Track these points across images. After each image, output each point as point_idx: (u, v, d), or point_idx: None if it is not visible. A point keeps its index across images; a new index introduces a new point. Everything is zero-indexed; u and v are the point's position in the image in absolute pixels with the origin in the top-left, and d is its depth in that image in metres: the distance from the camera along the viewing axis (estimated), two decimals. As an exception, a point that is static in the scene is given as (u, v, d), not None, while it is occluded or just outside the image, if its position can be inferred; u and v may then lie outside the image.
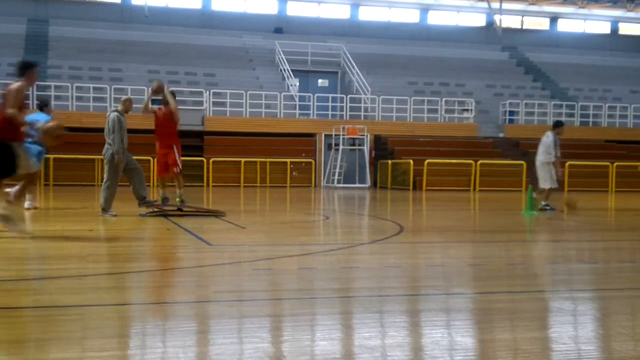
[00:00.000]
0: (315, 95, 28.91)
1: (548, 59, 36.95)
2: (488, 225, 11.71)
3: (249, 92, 27.70)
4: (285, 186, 25.31)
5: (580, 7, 40.20)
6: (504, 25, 37.52)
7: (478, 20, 39.46)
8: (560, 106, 31.31)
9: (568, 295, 5.26)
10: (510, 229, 10.91)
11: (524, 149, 27.80)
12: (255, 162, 25.52)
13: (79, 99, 25.99)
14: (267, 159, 25.62)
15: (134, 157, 11.69)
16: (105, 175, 11.27)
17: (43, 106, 12.79)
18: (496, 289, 5.54)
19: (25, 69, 8.12)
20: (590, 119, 31.30)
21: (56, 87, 26.30)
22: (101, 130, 11.48)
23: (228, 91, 27.69)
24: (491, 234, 10.20)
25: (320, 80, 33.01)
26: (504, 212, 14.23)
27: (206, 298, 5.10)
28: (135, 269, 6.46)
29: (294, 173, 26.03)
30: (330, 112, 28.82)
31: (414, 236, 9.47)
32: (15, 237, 8.21)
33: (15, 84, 7.96)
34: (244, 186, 24.90)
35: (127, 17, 33.63)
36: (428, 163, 24.13)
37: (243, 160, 25.37)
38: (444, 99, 29.80)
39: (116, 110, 11.25)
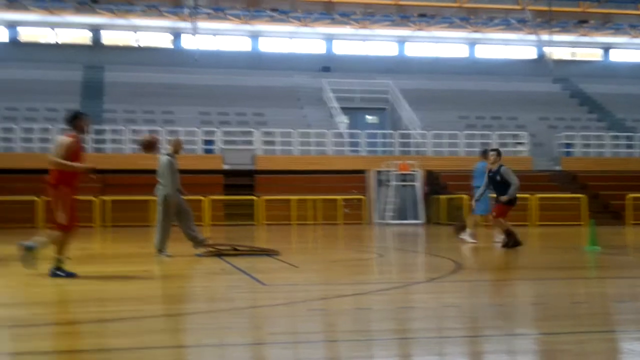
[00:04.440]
0: (365, 131, 28.92)
1: (602, 90, 36.27)
2: (549, 262, 11.38)
3: (297, 131, 27.87)
4: (337, 223, 25.21)
5: (633, 37, 39.50)
6: (555, 56, 37.11)
7: (528, 52, 39.11)
8: (618, 137, 30.61)
9: (638, 335, 5.03)
10: (573, 265, 10.58)
11: (583, 181, 27.18)
12: (306, 200, 25.53)
13: (134, 141, 26.53)
14: (318, 197, 25.61)
15: (186, 198, 11.77)
16: (158, 217, 11.35)
17: (483, 153, 13.65)
18: (561, 329, 5.33)
19: None
20: (650, 150, 30.46)
21: (112, 130, 26.93)
22: (155, 172, 11.61)
23: (277, 130, 27.92)
24: (553, 270, 9.90)
25: (369, 117, 33.05)
26: (565, 248, 13.84)
27: (261, 340, 5.05)
28: (191, 310, 6.45)
29: (345, 210, 25.93)
30: (380, 148, 28.76)
31: (472, 274, 9.25)
32: (73, 280, 8.31)
33: None
34: (296, 224, 24.91)
35: (178, 61, 34.38)
36: (482, 198, 23.74)
37: (294, 198, 25.42)
38: (496, 133, 29.46)
39: (168, 154, 11.36)
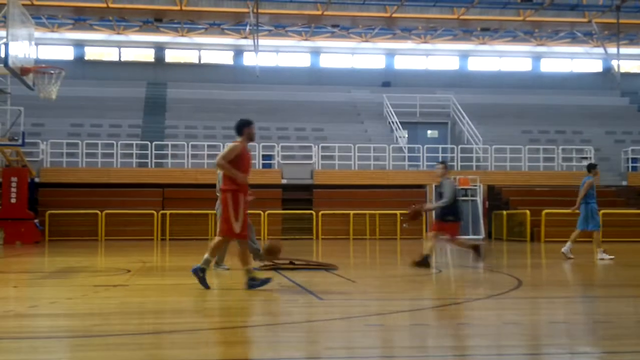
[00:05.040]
0: (425, 146, 28.66)
1: (672, 103, 35.12)
2: (615, 279, 10.99)
3: (357, 145, 27.82)
4: (396, 238, 24.99)
5: None
6: (622, 70, 36.10)
7: (594, 66, 38.19)
8: (687, 152, 29.54)
9: None
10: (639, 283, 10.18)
11: (650, 197, 26.32)
12: (365, 214, 25.41)
13: (194, 156, 26.93)
14: (377, 211, 25.46)
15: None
16: (218, 230, 11.45)
17: (588, 167, 14.10)
18: (627, 348, 5.13)
19: None
20: None
21: (173, 145, 27.42)
22: (215, 186, 11.72)
23: (337, 145, 27.92)
24: (619, 288, 9.54)
25: (429, 131, 32.76)
26: (632, 265, 13.35)
27: (317, 354, 4.99)
28: (247, 323, 6.44)
29: (404, 225, 25.69)
30: (440, 163, 28.42)
31: (534, 291, 8.98)
32: (132, 292, 8.42)
33: None
34: (354, 239, 24.79)
35: (239, 77, 34.83)
36: (546, 213, 23.21)
37: (352, 212, 25.33)
38: (560, 147, 28.80)
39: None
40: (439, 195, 12.10)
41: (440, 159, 28.41)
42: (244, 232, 8.45)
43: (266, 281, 8.37)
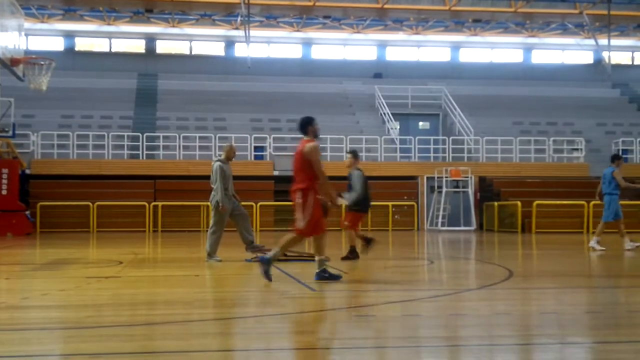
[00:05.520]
0: (417, 137, 28.69)
1: (662, 95, 35.27)
2: (606, 270, 11.06)
3: (349, 137, 27.81)
4: (387, 230, 25.04)
5: (694, 39, 38.31)
6: (613, 61, 36.22)
7: (585, 57, 38.27)
8: (677, 143, 29.68)
9: (702, 346, 4.81)
10: (631, 273, 10.25)
11: (640, 188, 26.43)
12: (357, 206, 25.40)
13: (185, 148, 26.87)
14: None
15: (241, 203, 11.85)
16: (211, 222, 11.47)
17: (613, 158, 13.92)
18: (617, 338, 5.16)
19: None
20: None
21: (164, 137, 27.33)
22: (207, 177, 11.73)
23: (328, 136, 27.90)
24: (610, 279, 9.61)
25: (421, 123, 32.79)
26: (623, 256, 13.43)
27: (309, 345, 4.99)
28: (239, 314, 6.44)
29: (396, 216, 25.75)
30: (432, 155, 28.52)
31: (525, 282, 9.02)
32: (124, 283, 8.41)
33: None
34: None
35: (230, 69, 34.74)
36: (537, 204, 23.31)
37: (344, 204, 25.31)
38: (551, 139, 28.88)
39: (219, 160, 11.46)
40: (349, 187, 12.21)
41: (433, 150, 28.62)
42: (307, 230, 8.44)
43: (268, 276, 8.33)
